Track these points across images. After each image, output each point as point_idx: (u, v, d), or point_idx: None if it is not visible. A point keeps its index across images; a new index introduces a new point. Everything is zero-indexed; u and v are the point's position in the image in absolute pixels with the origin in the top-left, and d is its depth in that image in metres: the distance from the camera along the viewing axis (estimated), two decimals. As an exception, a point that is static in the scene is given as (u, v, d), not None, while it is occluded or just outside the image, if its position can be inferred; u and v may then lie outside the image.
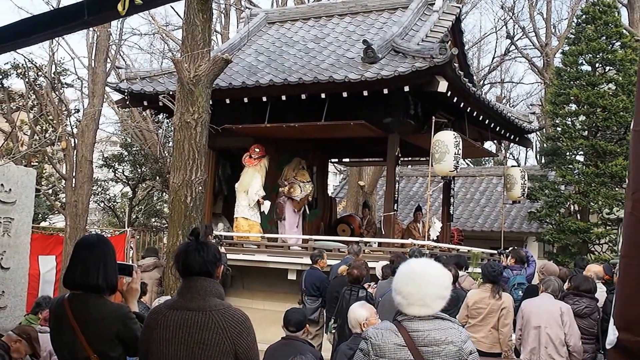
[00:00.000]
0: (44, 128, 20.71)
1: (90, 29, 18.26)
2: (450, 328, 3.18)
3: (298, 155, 13.72)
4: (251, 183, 12.50)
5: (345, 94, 11.38)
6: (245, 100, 12.12)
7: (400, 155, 12.65)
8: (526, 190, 15.04)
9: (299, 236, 12.99)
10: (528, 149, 30.10)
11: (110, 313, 3.36)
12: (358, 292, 7.79)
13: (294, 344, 5.14)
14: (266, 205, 12.62)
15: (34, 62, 19.57)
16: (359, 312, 5.24)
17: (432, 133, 11.72)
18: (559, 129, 17.78)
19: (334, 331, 7.98)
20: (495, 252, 13.20)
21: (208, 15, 9.72)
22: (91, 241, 3.58)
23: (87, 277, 3.38)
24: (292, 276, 11.73)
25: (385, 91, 11.15)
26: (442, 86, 10.79)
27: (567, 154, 17.59)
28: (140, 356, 3.27)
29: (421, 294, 3.14)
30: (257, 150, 12.69)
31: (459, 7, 14.02)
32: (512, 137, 15.17)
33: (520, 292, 8.49)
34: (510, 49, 30.12)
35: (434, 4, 13.52)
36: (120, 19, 21.78)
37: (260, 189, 12.50)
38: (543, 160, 21.57)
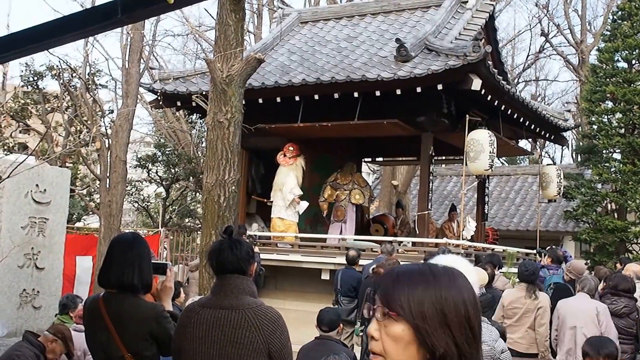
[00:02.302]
0: (78, 129, 20.99)
1: (124, 31, 18.46)
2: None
3: (331, 155, 13.70)
4: (285, 182, 12.50)
5: (378, 93, 11.32)
6: (278, 99, 12.13)
7: (433, 154, 12.55)
8: (562, 188, 14.82)
9: (333, 236, 12.95)
10: (564, 147, 29.70)
11: (144, 312, 3.36)
12: (385, 293, 7.68)
13: (328, 343, 5.11)
14: (302, 206, 12.59)
15: (68, 64, 19.87)
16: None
17: (466, 132, 11.59)
18: (595, 126, 17.50)
19: (361, 334, 7.89)
20: (532, 251, 13.04)
21: (240, 15, 9.72)
22: (127, 240, 3.59)
23: (122, 276, 3.37)
24: (325, 276, 11.70)
25: (419, 90, 11.06)
26: (476, 84, 10.67)
27: (604, 151, 17.30)
28: (173, 354, 3.26)
29: None
30: (291, 149, 12.67)
31: (492, 4, 13.86)
32: (547, 135, 14.97)
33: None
34: (545, 47, 29.75)
35: (467, 1, 13.39)
36: (154, 21, 22.02)
37: (295, 187, 12.47)
38: (579, 159, 21.24)
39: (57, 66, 19.40)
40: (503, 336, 5.05)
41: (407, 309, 1.42)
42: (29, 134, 26.37)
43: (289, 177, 12.51)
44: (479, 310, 1.48)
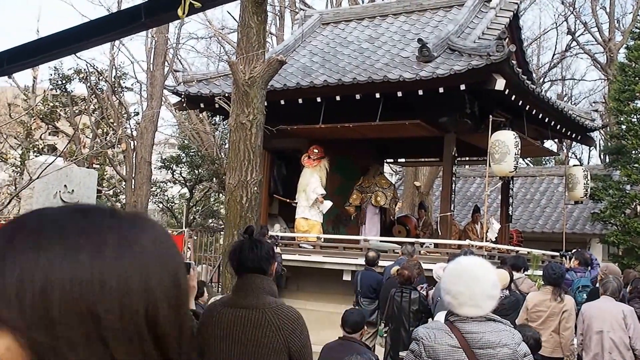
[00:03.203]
0: (105, 131, 21.22)
1: (149, 34, 18.63)
2: (504, 330, 3.10)
3: (353, 156, 13.70)
4: (309, 183, 12.54)
5: (400, 94, 11.28)
6: (300, 101, 12.15)
7: (456, 155, 12.47)
8: (589, 190, 14.64)
9: (357, 237, 12.94)
10: (591, 148, 29.36)
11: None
12: (410, 294, 7.63)
13: (351, 344, 5.09)
14: (326, 205, 12.61)
15: (95, 67, 20.10)
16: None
17: (490, 132, 11.50)
18: (623, 126, 17.27)
19: (385, 335, 7.85)
20: (557, 254, 12.89)
21: (263, 17, 9.75)
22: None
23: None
24: (347, 277, 11.68)
25: (441, 90, 11.00)
26: (500, 84, 10.58)
27: (633, 152, 17.06)
28: (194, 353, 3.28)
29: (470, 293, 3.06)
30: (316, 151, 12.69)
31: (516, 2, 13.74)
32: (573, 136, 14.79)
33: (584, 294, 8.23)
34: (572, 45, 29.48)
35: (490, 0, 13.29)
36: (178, 24, 22.18)
37: (318, 186, 12.49)
38: (607, 159, 20.99)
39: (85, 70, 19.64)
40: (538, 343, 4.98)
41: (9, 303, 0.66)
42: (58, 136, 26.72)
43: (312, 177, 12.54)
44: (183, 303, 0.75)
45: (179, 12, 2.39)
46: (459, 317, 3.10)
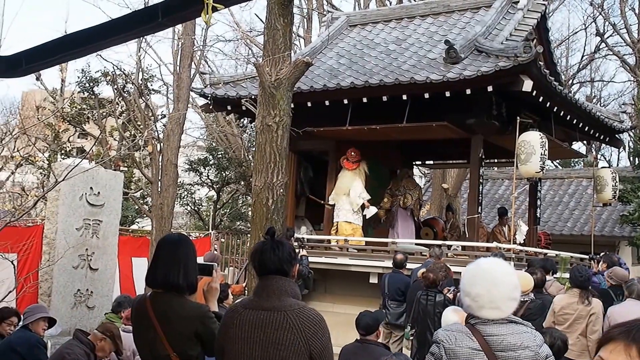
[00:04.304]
0: (132, 133, 21.43)
1: (176, 37, 18.77)
2: (525, 332, 3.06)
3: (380, 158, 13.67)
4: (352, 186, 12.52)
5: (427, 95, 11.23)
6: (327, 103, 12.15)
7: (484, 157, 12.38)
8: (617, 192, 14.43)
9: (385, 239, 12.89)
10: (620, 150, 28.94)
11: (189, 312, 3.41)
12: (435, 297, 7.58)
13: (369, 347, 5.08)
14: (371, 210, 12.58)
15: (122, 70, 20.30)
16: (452, 317, 5.06)
17: (517, 134, 11.40)
18: (653, 128, 17.02)
19: (411, 338, 7.82)
20: (586, 257, 12.73)
21: (289, 19, 9.79)
22: (173, 240, 3.64)
23: (168, 276, 3.43)
24: (373, 280, 11.66)
25: (468, 92, 10.93)
26: (527, 85, 10.49)
27: (662, 154, 16.81)
28: (216, 354, 3.30)
29: (490, 295, 3.03)
30: (354, 154, 12.71)
31: (544, 4, 13.60)
32: (602, 138, 14.59)
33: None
34: (600, 47, 29.07)
35: (518, 1, 13.18)
36: (204, 26, 22.32)
37: (363, 191, 12.49)
38: (636, 161, 20.67)
39: (112, 72, 19.85)
40: (566, 345, 4.93)
41: None
42: (86, 139, 27.05)
43: (355, 182, 12.56)
44: None
45: (203, 16, 2.42)
46: (480, 319, 3.07)
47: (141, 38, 20.76)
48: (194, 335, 3.39)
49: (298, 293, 3.26)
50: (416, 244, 12.33)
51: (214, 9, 2.46)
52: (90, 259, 9.04)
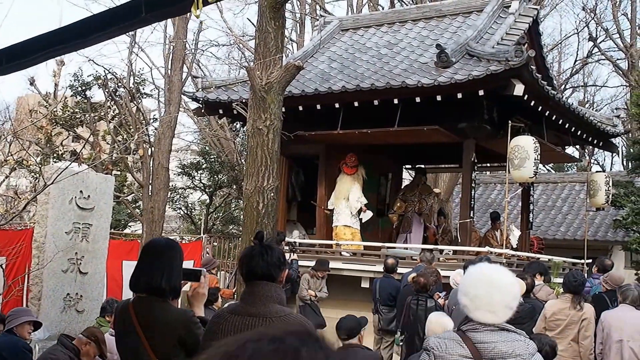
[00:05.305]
0: (124, 137, 21.34)
1: (167, 40, 18.71)
2: (517, 340, 3.02)
3: (371, 162, 13.66)
4: (351, 191, 12.58)
5: (418, 99, 11.22)
6: (318, 107, 12.12)
7: (476, 161, 12.37)
8: (611, 196, 14.43)
9: (376, 244, 12.86)
10: (613, 154, 29.00)
11: (173, 317, 3.35)
12: (426, 302, 7.55)
13: (355, 351, 5.02)
14: (367, 214, 12.70)
15: (114, 74, 20.23)
16: (443, 320, 5.00)
17: (509, 138, 11.39)
18: (645, 132, 17.04)
19: (401, 344, 7.79)
20: (580, 261, 12.73)
21: (280, 22, 9.74)
22: (159, 244, 3.60)
23: (150, 280, 3.37)
24: (365, 284, 11.62)
25: (460, 96, 10.92)
26: (519, 89, 10.49)
27: (655, 158, 16.83)
28: (199, 360, 3.24)
29: (489, 298, 2.99)
30: (353, 159, 12.78)
31: (536, 9, 13.63)
32: (595, 142, 14.61)
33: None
34: (593, 52, 29.15)
35: (510, 6, 13.18)
36: (197, 30, 22.28)
37: (361, 196, 12.61)
38: (629, 166, 20.70)
39: (103, 76, 19.77)
40: (554, 350, 4.89)
41: None
42: (80, 142, 26.92)
43: (354, 186, 12.66)
44: None
45: (193, 10, 2.36)
46: (472, 325, 3.03)
47: (133, 43, 20.70)
48: (178, 341, 3.32)
49: (284, 299, 3.22)
50: (406, 248, 12.30)
51: (205, 3, 2.41)
52: (80, 263, 8.95)
